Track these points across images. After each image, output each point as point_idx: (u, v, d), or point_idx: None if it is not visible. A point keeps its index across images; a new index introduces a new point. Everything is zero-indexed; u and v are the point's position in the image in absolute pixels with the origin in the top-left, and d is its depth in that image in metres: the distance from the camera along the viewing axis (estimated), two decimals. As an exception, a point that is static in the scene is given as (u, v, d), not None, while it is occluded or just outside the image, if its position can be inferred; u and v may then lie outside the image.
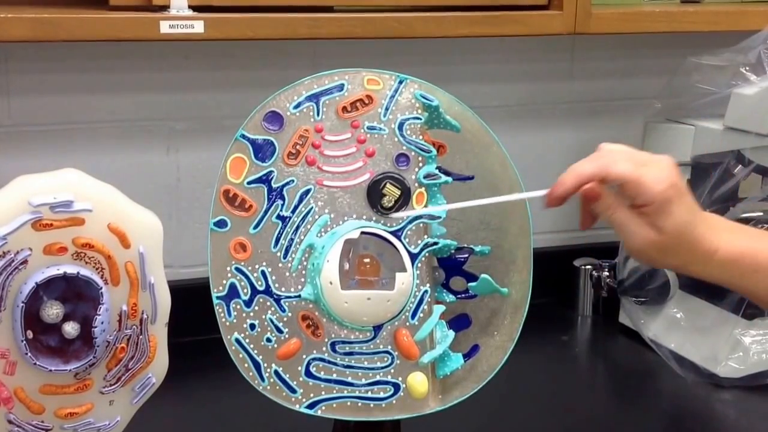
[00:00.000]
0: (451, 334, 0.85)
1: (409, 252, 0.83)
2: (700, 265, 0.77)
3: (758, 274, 0.77)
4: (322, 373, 0.84)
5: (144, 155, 1.15)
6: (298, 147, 0.83)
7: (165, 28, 0.94)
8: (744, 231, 0.80)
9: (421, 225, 0.84)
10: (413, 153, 0.84)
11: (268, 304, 0.83)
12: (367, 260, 0.83)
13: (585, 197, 0.75)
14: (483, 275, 0.85)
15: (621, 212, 0.74)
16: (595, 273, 1.27)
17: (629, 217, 0.74)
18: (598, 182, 0.74)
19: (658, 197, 0.72)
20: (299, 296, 0.83)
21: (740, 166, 1.09)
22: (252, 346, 0.83)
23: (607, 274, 1.26)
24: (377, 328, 0.84)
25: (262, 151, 0.83)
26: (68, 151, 1.11)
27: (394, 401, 0.85)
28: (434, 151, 0.85)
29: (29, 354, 0.74)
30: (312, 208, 0.83)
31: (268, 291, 0.83)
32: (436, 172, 0.84)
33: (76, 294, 0.75)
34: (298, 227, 0.83)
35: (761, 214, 1.09)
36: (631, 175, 0.72)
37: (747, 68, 1.09)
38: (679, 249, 0.75)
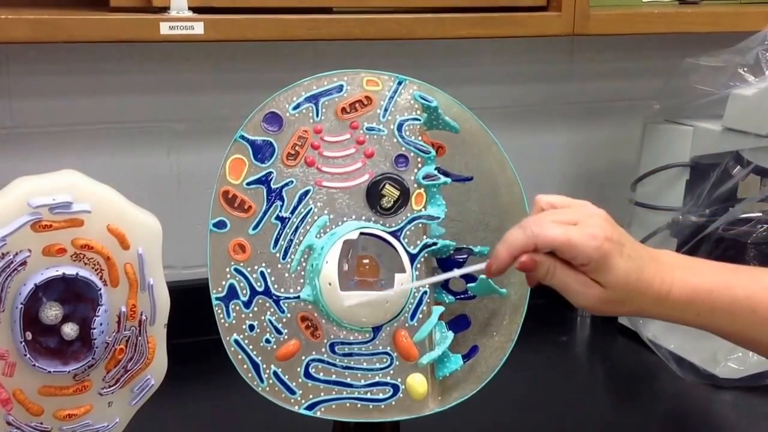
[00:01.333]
0: (450, 335, 0.85)
1: (408, 253, 0.83)
2: (655, 307, 0.74)
3: (714, 313, 0.74)
4: (322, 374, 0.84)
5: (144, 156, 1.15)
6: (297, 148, 0.83)
7: (165, 29, 0.94)
8: (701, 267, 0.76)
9: (420, 226, 0.84)
10: (412, 154, 0.84)
11: (268, 305, 0.83)
12: (366, 261, 0.83)
13: (522, 269, 0.73)
14: (481, 276, 0.86)
15: (561, 274, 0.72)
16: (594, 274, 1.27)
17: (570, 277, 0.72)
18: (532, 252, 0.72)
19: (594, 254, 0.70)
20: (298, 297, 0.83)
21: (739, 166, 1.09)
22: (251, 347, 0.83)
23: (606, 274, 1.26)
24: (376, 329, 0.84)
25: (261, 152, 0.83)
26: (69, 152, 1.11)
27: (393, 402, 0.85)
28: (433, 152, 0.85)
29: (28, 355, 0.74)
30: (311, 209, 0.83)
31: (267, 292, 0.83)
32: (435, 172, 0.84)
33: (75, 295, 0.75)
34: (297, 228, 0.83)
35: (760, 214, 1.09)
36: (562, 238, 0.71)
37: (745, 69, 1.09)
38: (628, 298, 0.73)
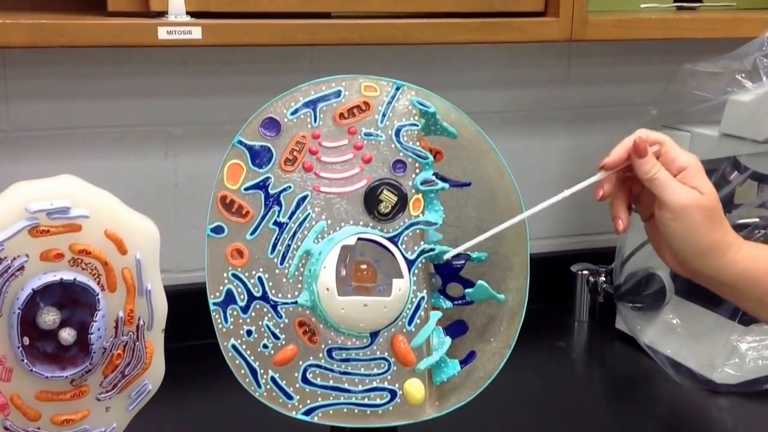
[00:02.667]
0: (448, 340, 0.85)
1: (405, 258, 0.83)
2: (728, 252, 0.80)
3: (763, 282, 0.80)
4: (319, 379, 0.84)
5: (142, 160, 1.15)
6: (295, 153, 0.83)
7: (163, 34, 0.94)
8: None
9: (418, 231, 0.85)
10: (410, 159, 0.84)
11: (265, 310, 0.83)
12: (363, 266, 0.83)
13: (636, 148, 0.80)
14: (480, 281, 0.86)
15: (663, 171, 0.79)
16: (591, 278, 1.27)
17: (670, 177, 0.79)
18: (641, 139, 0.80)
19: (693, 162, 0.79)
20: (296, 302, 0.83)
21: (736, 172, 1.09)
22: (249, 352, 0.83)
23: (603, 279, 1.26)
24: (374, 335, 0.84)
25: (259, 157, 0.83)
26: (67, 156, 1.11)
27: (390, 408, 0.85)
28: (431, 158, 0.85)
29: (25, 360, 0.74)
30: (309, 214, 0.83)
31: (264, 297, 0.83)
32: (433, 178, 0.84)
33: (73, 300, 0.75)
34: (295, 233, 0.83)
35: (757, 220, 1.09)
36: (668, 138, 0.81)
37: (743, 75, 1.09)
38: (718, 217, 0.79)
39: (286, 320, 0.83)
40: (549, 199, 0.83)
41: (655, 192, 0.80)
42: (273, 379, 0.83)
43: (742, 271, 0.80)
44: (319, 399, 0.84)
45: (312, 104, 0.83)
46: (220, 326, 0.83)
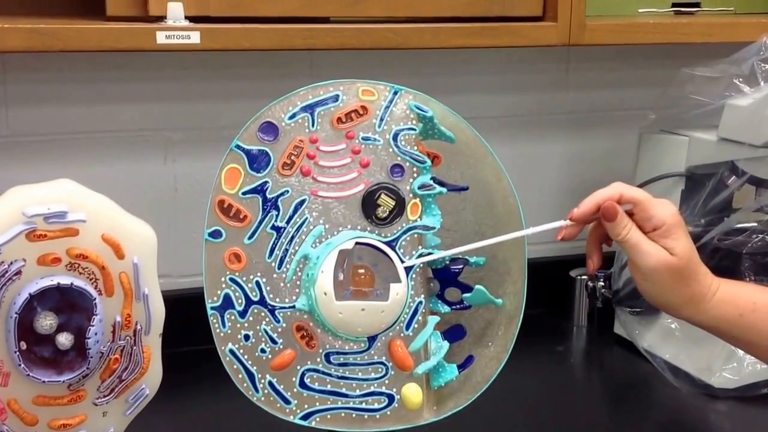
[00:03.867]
0: (446, 344, 0.85)
1: (403, 263, 0.83)
2: (704, 303, 0.81)
3: (755, 314, 0.81)
4: (317, 384, 0.84)
5: (141, 165, 1.15)
6: (293, 157, 0.83)
7: (161, 38, 0.94)
8: (737, 281, 0.85)
9: (416, 236, 0.85)
10: (408, 164, 0.84)
11: (263, 314, 0.83)
12: (361, 271, 0.83)
13: (604, 214, 0.79)
14: (477, 286, 0.86)
15: (636, 233, 0.79)
16: (590, 283, 1.27)
17: (643, 238, 0.79)
18: (611, 203, 0.80)
19: (669, 219, 0.79)
20: (294, 307, 0.83)
21: (734, 176, 1.09)
22: (246, 357, 0.83)
23: (602, 284, 1.26)
24: (371, 339, 0.84)
25: (257, 161, 0.83)
26: (65, 161, 1.11)
27: (388, 412, 0.85)
28: (429, 162, 0.85)
29: (22, 365, 0.74)
30: (306, 218, 0.83)
31: (262, 302, 0.83)
32: (431, 182, 0.84)
33: (70, 305, 0.75)
34: (292, 238, 0.83)
35: (755, 224, 1.09)
36: (645, 195, 0.80)
37: (740, 79, 1.09)
38: (689, 275, 0.80)
39: (284, 325, 0.83)
40: (511, 233, 0.83)
41: (626, 252, 0.80)
42: (271, 383, 0.83)
43: (717, 317, 0.82)
44: (317, 403, 0.84)
45: (310, 108, 0.83)
46: (217, 331, 0.83)
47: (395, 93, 0.85)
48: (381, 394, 0.84)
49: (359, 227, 0.84)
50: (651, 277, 0.79)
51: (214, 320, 0.83)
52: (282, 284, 0.83)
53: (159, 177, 1.16)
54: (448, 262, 0.86)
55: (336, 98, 0.84)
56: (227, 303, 0.83)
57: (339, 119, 0.84)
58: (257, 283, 0.83)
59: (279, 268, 0.83)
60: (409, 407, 0.84)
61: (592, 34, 1.11)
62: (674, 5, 1.25)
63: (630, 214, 0.80)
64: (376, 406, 0.84)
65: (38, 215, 0.73)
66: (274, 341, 0.83)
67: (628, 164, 1.24)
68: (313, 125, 0.83)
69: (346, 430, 0.85)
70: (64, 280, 0.74)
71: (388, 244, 0.83)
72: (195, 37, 0.95)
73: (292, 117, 0.83)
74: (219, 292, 0.83)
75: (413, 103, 0.85)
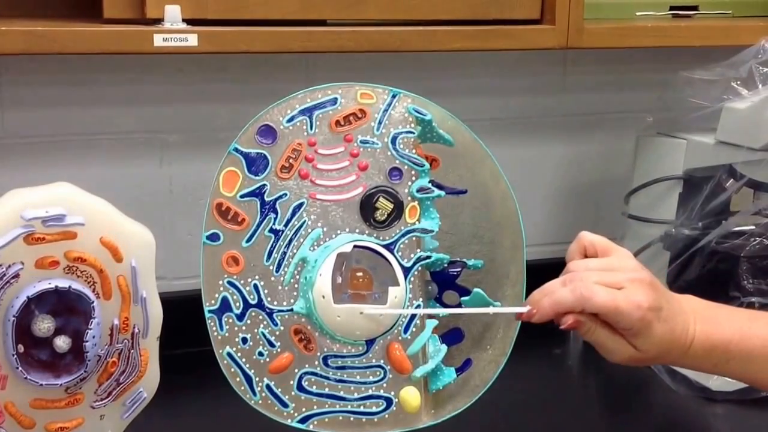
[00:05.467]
0: (444, 348, 0.85)
1: (401, 266, 0.83)
2: (677, 359, 0.79)
3: (730, 363, 0.78)
4: (314, 387, 0.84)
5: (138, 167, 1.14)
6: (291, 161, 0.83)
7: (158, 41, 0.94)
8: (719, 317, 0.79)
9: (414, 239, 0.84)
10: (406, 167, 0.84)
11: (261, 317, 0.83)
12: (359, 274, 0.83)
13: (567, 329, 0.77)
14: (476, 289, 0.85)
15: (600, 334, 0.76)
16: (587, 286, 1.27)
17: (608, 337, 0.76)
18: (574, 316, 0.76)
19: (636, 324, 0.74)
20: (291, 310, 0.83)
21: (732, 179, 1.09)
22: (244, 360, 0.83)
23: (600, 287, 1.26)
24: (370, 342, 0.84)
25: (255, 164, 0.83)
26: (62, 163, 1.11)
27: (386, 416, 0.84)
28: (427, 165, 0.85)
29: (20, 368, 0.74)
30: (305, 221, 0.83)
31: (260, 305, 0.83)
32: (429, 185, 0.84)
33: (68, 308, 0.75)
34: (290, 241, 0.83)
35: (753, 227, 1.10)
36: (610, 306, 0.74)
37: (738, 83, 1.09)
38: (658, 356, 0.78)
39: (282, 328, 0.83)
40: (475, 309, 0.83)
41: (592, 344, 0.78)
42: (268, 386, 0.83)
43: (693, 367, 0.81)
44: (315, 407, 0.84)
45: (308, 111, 0.83)
46: (215, 334, 0.83)
47: (394, 96, 0.85)
48: (379, 397, 0.84)
49: (357, 230, 0.83)
50: (623, 364, 0.79)
51: (212, 323, 0.83)
52: (280, 287, 0.83)
53: (155, 179, 1.15)
54: (446, 265, 0.86)
55: (334, 101, 0.84)
56: (225, 306, 0.82)
57: (337, 122, 0.84)
58: (255, 286, 0.83)
59: (277, 271, 0.83)
60: (407, 410, 0.84)
61: (589, 38, 1.11)
62: (672, 8, 1.25)
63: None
64: (374, 409, 0.84)
65: (36, 218, 0.73)
66: (271, 344, 0.83)
67: (626, 167, 1.24)
68: (311, 128, 0.83)
69: (344, 434, 0.84)
70: (62, 283, 0.74)
71: (387, 247, 0.83)
72: (192, 40, 0.95)
73: (290, 120, 0.83)
74: (217, 295, 0.82)
75: (412, 106, 0.84)
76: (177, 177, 1.16)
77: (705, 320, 0.78)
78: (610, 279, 0.76)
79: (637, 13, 1.24)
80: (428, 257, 0.84)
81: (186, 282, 1.16)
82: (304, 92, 0.83)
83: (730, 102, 1.09)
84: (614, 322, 0.75)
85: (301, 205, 0.83)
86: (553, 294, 0.77)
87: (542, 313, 0.77)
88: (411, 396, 0.84)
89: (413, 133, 0.84)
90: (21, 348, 0.74)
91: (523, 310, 0.79)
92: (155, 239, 0.80)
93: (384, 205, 0.84)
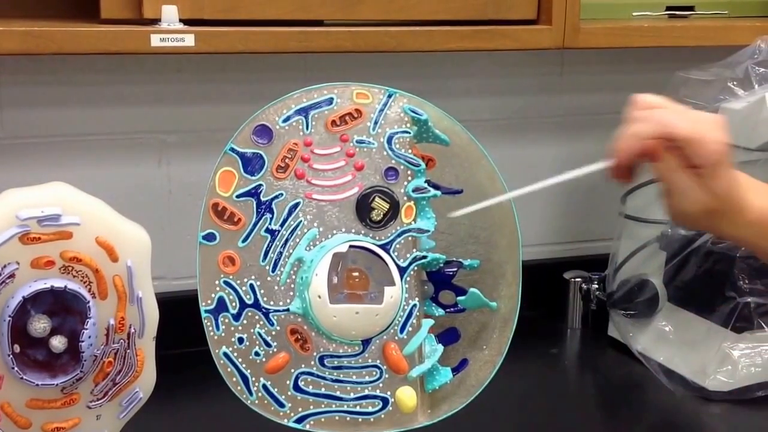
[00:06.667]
0: (440, 348, 0.85)
1: (397, 266, 0.84)
2: (732, 225, 0.75)
3: None
4: (311, 387, 0.84)
5: (136, 167, 1.14)
6: (287, 160, 0.83)
7: (156, 41, 0.94)
8: (764, 189, 0.78)
9: (410, 239, 0.85)
10: (402, 166, 0.84)
11: (257, 317, 0.83)
12: (355, 274, 0.83)
13: (646, 156, 0.72)
14: (472, 289, 0.86)
15: (681, 173, 0.72)
16: (584, 286, 1.27)
17: (688, 179, 0.72)
18: (658, 142, 0.71)
19: (715, 158, 0.71)
20: (288, 310, 0.83)
21: (728, 180, 1.09)
22: (240, 360, 0.83)
23: (596, 286, 1.26)
24: (366, 342, 0.84)
25: (251, 164, 0.83)
26: (60, 163, 1.11)
27: (382, 416, 0.85)
28: (423, 165, 0.85)
29: (16, 368, 0.74)
30: (301, 221, 0.83)
31: (256, 304, 0.83)
32: (425, 185, 0.84)
33: (64, 308, 0.75)
34: (286, 241, 0.83)
35: (749, 227, 1.10)
36: (694, 133, 0.70)
37: (735, 83, 1.09)
38: (723, 211, 0.74)
39: (278, 328, 0.83)
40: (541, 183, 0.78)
41: (664, 189, 0.74)
42: (265, 386, 0.83)
43: (747, 235, 0.76)
44: (311, 407, 0.84)
45: (304, 111, 0.83)
46: (211, 334, 0.83)
47: (389, 96, 0.85)
48: (375, 397, 0.84)
49: (353, 230, 0.84)
50: (683, 218, 0.75)
51: (208, 323, 0.83)
52: (276, 287, 0.83)
53: (153, 179, 1.15)
54: (442, 265, 0.86)
55: (330, 101, 0.84)
56: (221, 306, 0.83)
57: (333, 122, 0.84)
58: (251, 286, 0.83)
59: (273, 271, 0.83)
60: (404, 410, 0.84)
61: (586, 38, 1.11)
62: (668, 9, 1.25)
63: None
64: (370, 409, 0.84)
65: (32, 218, 0.73)
66: (268, 344, 0.83)
67: (623, 167, 1.24)
68: (307, 128, 0.83)
69: (340, 434, 0.85)
70: (58, 283, 0.74)
71: (383, 247, 0.83)
72: (189, 40, 0.95)
73: (286, 120, 0.83)
74: (213, 295, 0.82)
75: (407, 106, 0.85)
76: (175, 177, 1.16)
77: (759, 192, 0.76)
78: (688, 115, 0.73)
79: (634, 14, 1.24)
80: (424, 257, 0.84)
81: (184, 282, 1.16)
82: (299, 92, 0.84)
83: (726, 102, 1.08)
84: (694, 152, 0.70)
85: (297, 204, 0.83)
86: (633, 130, 0.72)
87: (628, 152, 0.72)
88: (407, 396, 0.84)
89: (409, 132, 0.85)
90: (17, 348, 0.74)
91: (603, 164, 0.74)
92: (154, 239, 0.80)
93: (380, 205, 0.84)
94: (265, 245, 0.83)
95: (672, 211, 0.75)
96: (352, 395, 0.84)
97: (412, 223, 0.85)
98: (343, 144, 0.84)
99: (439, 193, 0.85)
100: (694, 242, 1.08)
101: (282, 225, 0.83)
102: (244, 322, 0.83)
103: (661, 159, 0.72)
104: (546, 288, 1.28)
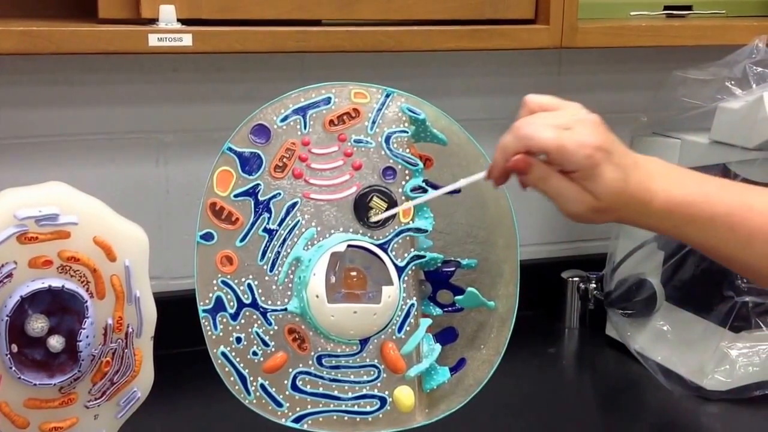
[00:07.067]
0: (438, 347, 0.85)
1: (395, 265, 0.84)
2: (636, 216, 0.74)
3: (692, 226, 0.73)
4: (309, 386, 0.84)
5: (133, 167, 1.14)
6: (284, 160, 0.83)
7: (153, 41, 0.94)
8: (684, 177, 0.75)
9: (408, 238, 0.85)
10: (400, 166, 0.84)
11: (255, 317, 0.83)
12: (353, 273, 0.83)
13: (513, 169, 0.73)
14: (470, 288, 0.86)
15: (554, 181, 0.72)
16: (582, 285, 1.27)
17: (563, 184, 0.71)
18: (523, 156, 0.72)
19: (584, 163, 0.70)
20: (285, 309, 0.83)
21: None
22: (238, 359, 0.83)
23: (594, 286, 1.26)
24: (364, 342, 0.84)
25: (248, 164, 0.83)
26: (58, 163, 1.11)
27: (380, 415, 0.85)
28: (421, 165, 0.85)
29: (14, 368, 0.74)
30: (299, 221, 0.83)
31: (254, 304, 0.83)
32: (423, 185, 0.84)
33: (62, 307, 0.75)
34: (284, 240, 0.83)
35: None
36: (554, 143, 0.70)
37: (732, 82, 1.09)
38: (614, 206, 0.72)
39: (276, 327, 0.83)
40: (437, 192, 0.79)
41: (547, 197, 0.74)
42: (262, 386, 0.83)
43: (662, 221, 0.74)
44: (309, 406, 0.84)
45: (302, 111, 0.83)
46: (209, 333, 0.83)
47: (387, 95, 0.85)
48: (373, 396, 0.84)
49: (351, 230, 0.84)
50: (577, 220, 0.74)
51: (206, 323, 0.83)
52: (274, 287, 0.83)
53: (151, 179, 1.15)
54: (440, 264, 0.86)
55: (328, 101, 0.84)
56: (219, 306, 0.83)
57: (331, 122, 0.84)
58: (249, 286, 0.83)
59: (271, 271, 0.83)
60: (401, 410, 0.84)
61: (584, 37, 1.11)
62: (666, 8, 1.25)
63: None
64: (368, 408, 0.84)
65: (30, 218, 0.73)
66: (266, 344, 0.83)
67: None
68: (305, 128, 0.83)
69: (338, 433, 0.85)
70: (56, 282, 0.74)
71: (381, 246, 0.83)
72: (187, 40, 0.95)
73: (284, 119, 0.83)
74: (211, 294, 0.82)
75: (405, 105, 0.85)
76: (173, 177, 1.16)
77: (668, 179, 0.74)
78: (556, 121, 0.72)
79: (631, 13, 1.24)
80: (422, 256, 0.85)
81: (183, 282, 1.16)
82: (297, 92, 0.84)
83: (724, 102, 1.09)
84: (561, 162, 0.70)
85: (294, 204, 0.83)
86: (501, 143, 0.73)
87: (494, 165, 0.73)
88: (405, 395, 0.84)
89: (407, 132, 0.85)
90: (14, 348, 0.74)
91: (482, 174, 0.76)
92: (152, 239, 0.80)
93: (378, 205, 0.84)
94: (263, 245, 0.83)
95: (562, 212, 0.74)
96: (350, 395, 0.84)
97: (410, 222, 0.85)
98: (340, 143, 0.84)
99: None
100: (691, 242, 1.08)
101: (280, 224, 0.83)
102: (242, 321, 0.83)
103: (527, 172, 0.72)
104: (544, 287, 1.28)
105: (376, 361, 0.84)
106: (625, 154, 0.73)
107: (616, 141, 0.73)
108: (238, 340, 0.83)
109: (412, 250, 0.85)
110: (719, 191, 0.75)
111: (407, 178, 0.84)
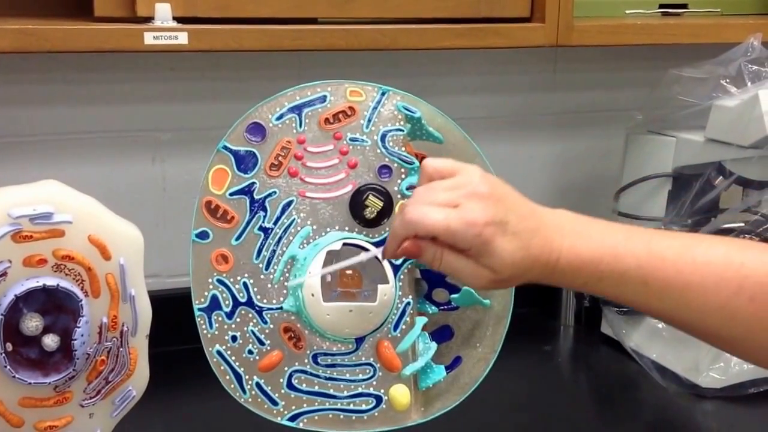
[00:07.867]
0: (434, 345, 0.85)
1: (391, 263, 0.83)
2: (544, 278, 0.71)
3: (602, 283, 0.70)
4: (304, 385, 0.84)
5: (129, 165, 1.14)
6: (280, 158, 0.83)
7: (149, 39, 0.94)
8: (591, 231, 0.72)
9: (403, 236, 0.85)
10: (396, 164, 0.84)
11: (250, 315, 0.83)
12: (349, 272, 0.83)
13: (405, 255, 0.72)
14: (465, 287, 0.86)
15: (449, 260, 0.70)
16: (578, 283, 1.27)
17: (459, 262, 0.70)
18: (413, 241, 0.71)
19: (475, 242, 0.68)
20: (281, 308, 0.83)
21: (721, 177, 1.10)
22: (233, 358, 0.83)
23: (590, 284, 1.26)
24: (359, 340, 0.84)
25: (244, 162, 0.83)
26: (53, 162, 1.11)
27: (376, 413, 0.85)
28: (417, 163, 0.85)
29: (8, 366, 0.73)
30: (294, 219, 0.83)
31: (249, 303, 0.83)
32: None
33: (56, 306, 0.75)
34: (280, 239, 0.83)
35: (742, 224, 1.10)
36: (440, 226, 0.68)
37: (727, 80, 1.09)
38: (517, 275, 0.70)
39: (272, 326, 0.83)
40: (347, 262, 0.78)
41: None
42: (258, 384, 0.83)
43: (571, 280, 0.71)
44: (305, 405, 0.84)
45: (297, 109, 0.83)
46: (204, 332, 0.83)
47: (383, 94, 0.85)
48: (369, 395, 0.84)
49: (347, 228, 0.84)
50: (485, 290, 0.73)
51: (201, 321, 0.83)
52: (269, 285, 0.83)
53: (147, 177, 1.15)
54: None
55: (323, 99, 0.84)
56: (214, 304, 0.83)
57: (326, 120, 0.84)
58: (244, 284, 0.83)
59: (266, 269, 0.83)
60: (397, 408, 0.85)
61: (579, 35, 1.12)
62: (661, 6, 1.25)
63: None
64: (363, 407, 0.84)
65: (24, 216, 0.73)
66: (261, 342, 0.83)
67: (615, 165, 1.24)
68: (300, 126, 0.83)
69: (333, 431, 0.85)
70: (50, 281, 0.74)
71: (376, 245, 0.83)
72: (183, 38, 0.95)
73: (279, 118, 0.83)
74: (206, 293, 0.82)
75: (401, 103, 0.85)
76: (170, 175, 1.16)
77: (574, 235, 0.71)
78: (445, 198, 0.69)
79: (627, 11, 1.24)
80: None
81: (179, 280, 1.16)
82: (292, 90, 0.84)
83: (719, 100, 1.09)
84: (452, 243, 0.69)
85: (290, 202, 0.83)
86: (392, 229, 0.72)
87: (387, 248, 0.73)
88: (400, 394, 0.84)
89: (402, 130, 0.85)
90: (9, 346, 0.74)
91: (374, 252, 0.76)
92: (147, 237, 0.80)
93: (373, 203, 0.84)
94: (259, 243, 0.83)
95: (469, 286, 0.73)
96: (345, 393, 0.84)
97: (406, 220, 0.84)
98: (336, 142, 0.84)
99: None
100: (687, 240, 1.08)
101: (275, 223, 0.83)
102: (238, 320, 0.83)
103: (420, 255, 0.71)
104: (539, 285, 1.28)
105: (371, 359, 0.84)
106: (524, 217, 0.70)
107: (515, 205, 0.71)
108: (234, 338, 0.83)
109: (408, 248, 0.85)
110: (628, 242, 0.71)
111: (403, 176, 0.84)
